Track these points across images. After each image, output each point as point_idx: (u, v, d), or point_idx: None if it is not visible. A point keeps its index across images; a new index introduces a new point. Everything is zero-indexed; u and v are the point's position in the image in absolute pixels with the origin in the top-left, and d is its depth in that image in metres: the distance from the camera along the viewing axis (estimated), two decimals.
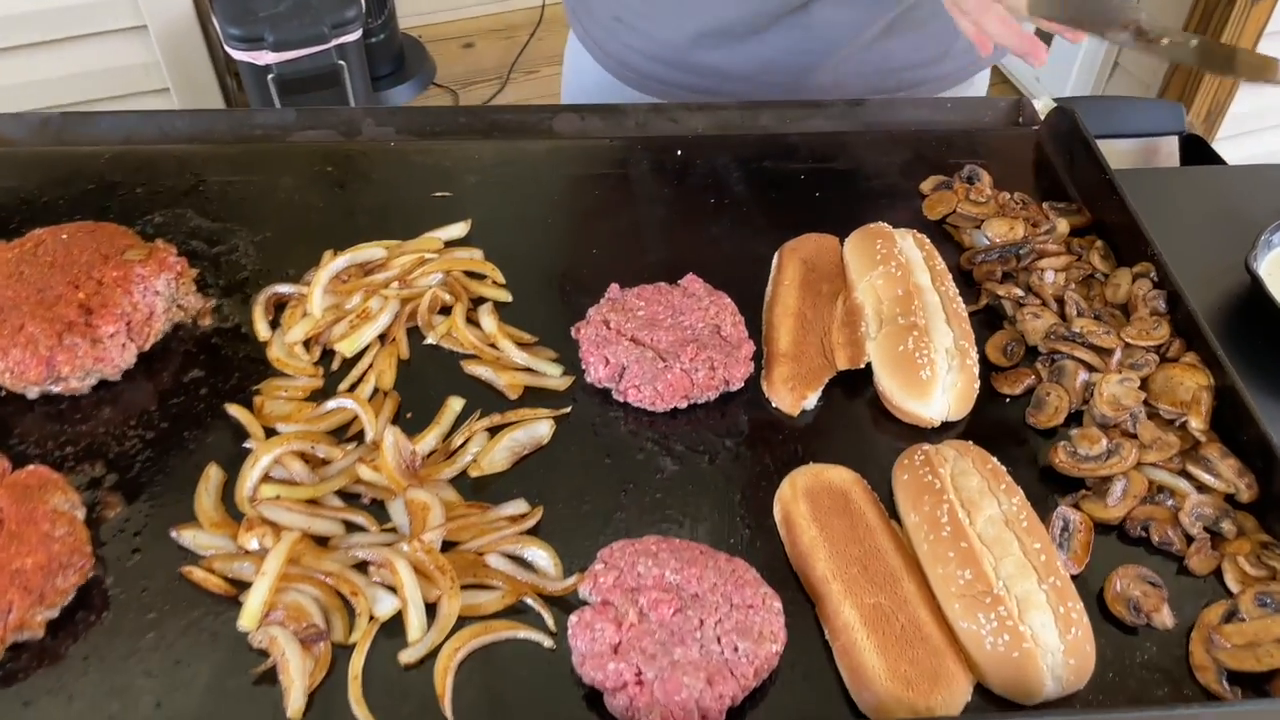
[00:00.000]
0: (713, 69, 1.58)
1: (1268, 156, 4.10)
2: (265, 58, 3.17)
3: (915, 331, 1.13)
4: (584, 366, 1.17)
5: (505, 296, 1.26)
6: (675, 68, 1.60)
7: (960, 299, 1.21)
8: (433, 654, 0.93)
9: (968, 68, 1.68)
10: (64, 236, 1.20)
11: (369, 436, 1.09)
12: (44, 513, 0.97)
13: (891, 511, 1.05)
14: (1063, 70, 4.23)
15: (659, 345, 1.16)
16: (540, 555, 1.01)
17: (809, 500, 1.03)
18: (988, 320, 1.26)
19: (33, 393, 1.12)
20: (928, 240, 1.27)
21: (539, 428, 1.11)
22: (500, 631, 0.95)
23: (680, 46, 1.56)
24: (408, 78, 4.32)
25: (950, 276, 1.23)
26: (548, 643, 0.95)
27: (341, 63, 3.31)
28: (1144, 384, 1.13)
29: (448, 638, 0.94)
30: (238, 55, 3.17)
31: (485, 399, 1.15)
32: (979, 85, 1.78)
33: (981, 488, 1.01)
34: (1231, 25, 3.49)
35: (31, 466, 1.02)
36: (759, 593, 0.94)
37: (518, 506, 1.04)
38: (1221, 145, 3.93)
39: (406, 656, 0.93)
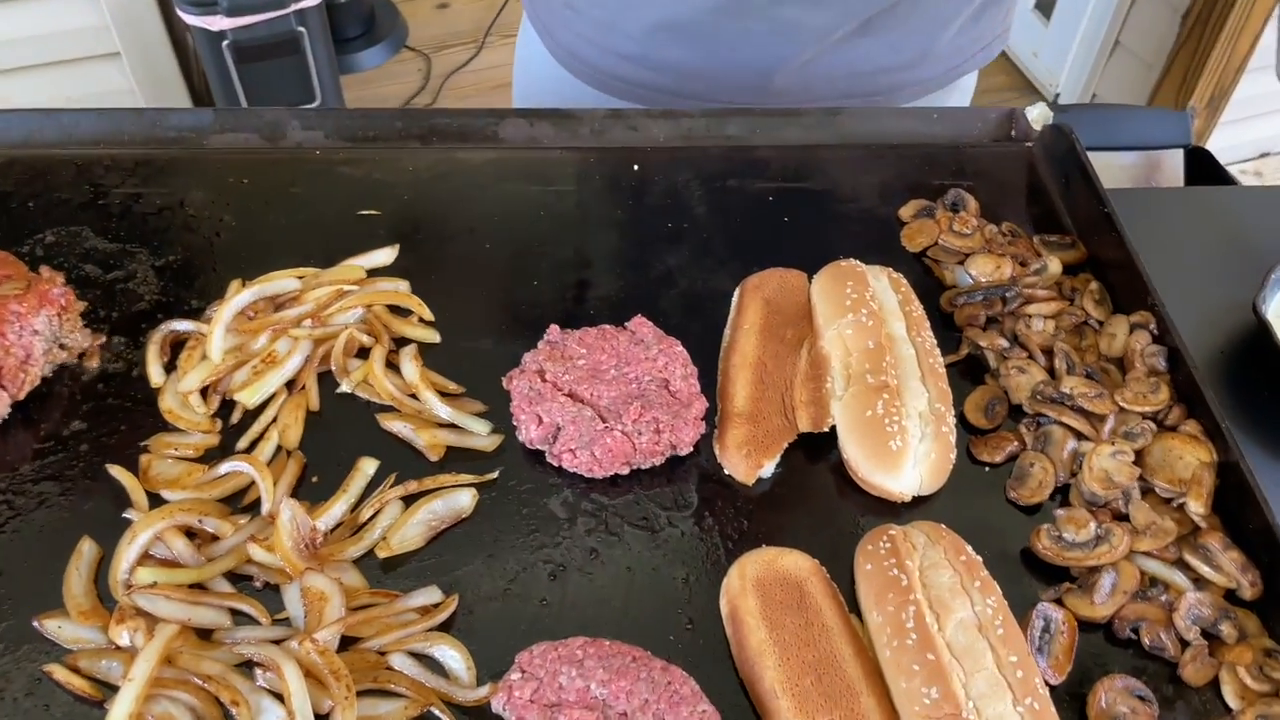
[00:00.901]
0: (669, 66, 1.44)
1: (1270, 142, 3.97)
2: (219, 23, 2.98)
3: (886, 393, 1.01)
4: (515, 424, 1.04)
5: (432, 337, 1.13)
6: (630, 62, 1.46)
7: (938, 351, 1.08)
8: None
9: (951, 72, 1.53)
10: None
11: (265, 508, 0.96)
12: None
13: (852, 601, 0.94)
14: (1062, 46, 4.07)
15: (599, 402, 1.03)
16: (452, 656, 0.89)
17: (759, 594, 0.91)
18: (968, 371, 1.14)
19: None
20: (904, 281, 1.14)
21: (460, 498, 0.99)
22: None
23: (635, 39, 1.42)
24: (378, 40, 4.11)
25: (928, 324, 1.11)
26: None
27: (301, 29, 3.13)
28: (1139, 456, 1.02)
29: None
30: (190, 20, 2.98)
31: (402, 459, 1.03)
32: (963, 91, 1.64)
33: (953, 585, 0.89)
34: (1220, 47, 3.40)
35: None
36: (696, 711, 0.83)
37: (430, 595, 0.92)
38: (1224, 130, 3.81)
39: None
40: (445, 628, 0.91)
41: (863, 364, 1.04)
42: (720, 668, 0.90)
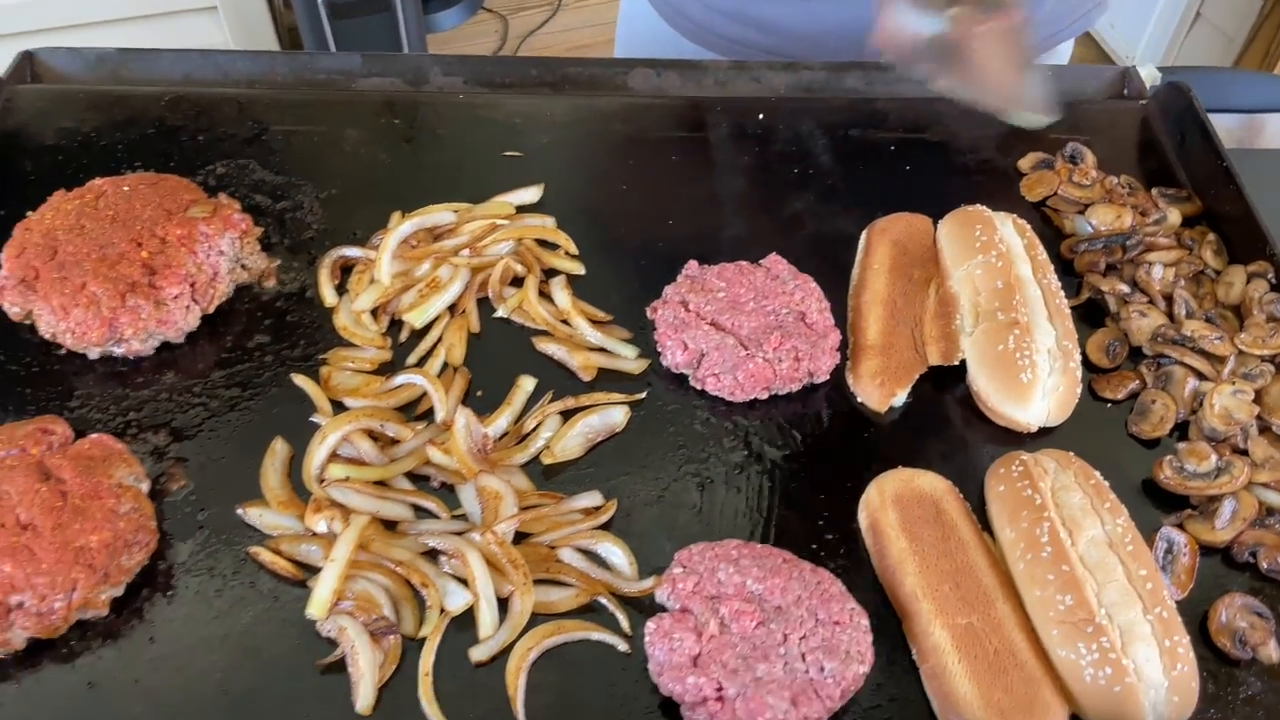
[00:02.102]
0: (770, 25, 1.48)
1: None
2: None
3: (1016, 329, 1.07)
4: (660, 350, 1.11)
5: (578, 269, 1.20)
6: (733, 19, 1.50)
7: (1063, 293, 1.14)
8: (504, 652, 0.90)
9: (1046, 40, 1.56)
10: (125, 188, 1.16)
11: (439, 416, 1.05)
12: (109, 487, 0.94)
13: (983, 522, 1.00)
14: (1141, 17, 4.02)
15: (740, 331, 1.10)
16: (615, 552, 0.97)
17: (898, 508, 0.98)
18: (1087, 315, 1.19)
19: (93, 353, 1.09)
20: (1029, 227, 1.20)
21: (613, 414, 1.07)
22: (574, 632, 0.92)
23: None
24: (457, 1, 4.20)
25: (1052, 268, 1.16)
26: (622, 646, 0.92)
27: None
28: (1258, 395, 1.06)
29: (520, 636, 0.91)
30: None
31: (557, 379, 1.11)
32: (1059, 58, 1.67)
33: (1084, 506, 0.95)
34: None
35: (95, 436, 0.99)
36: (846, 609, 0.90)
37: (592, 499, 1.00)
38: None
39: (478, 654, 0.90)
40: (606, 528, 0.99)
41: (992, 302, 1.10)
42: (861, 577, 0.97)
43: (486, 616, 0.91)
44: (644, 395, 1.10)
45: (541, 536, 0.98)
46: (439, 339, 1.12)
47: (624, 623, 0.93)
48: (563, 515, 0.99)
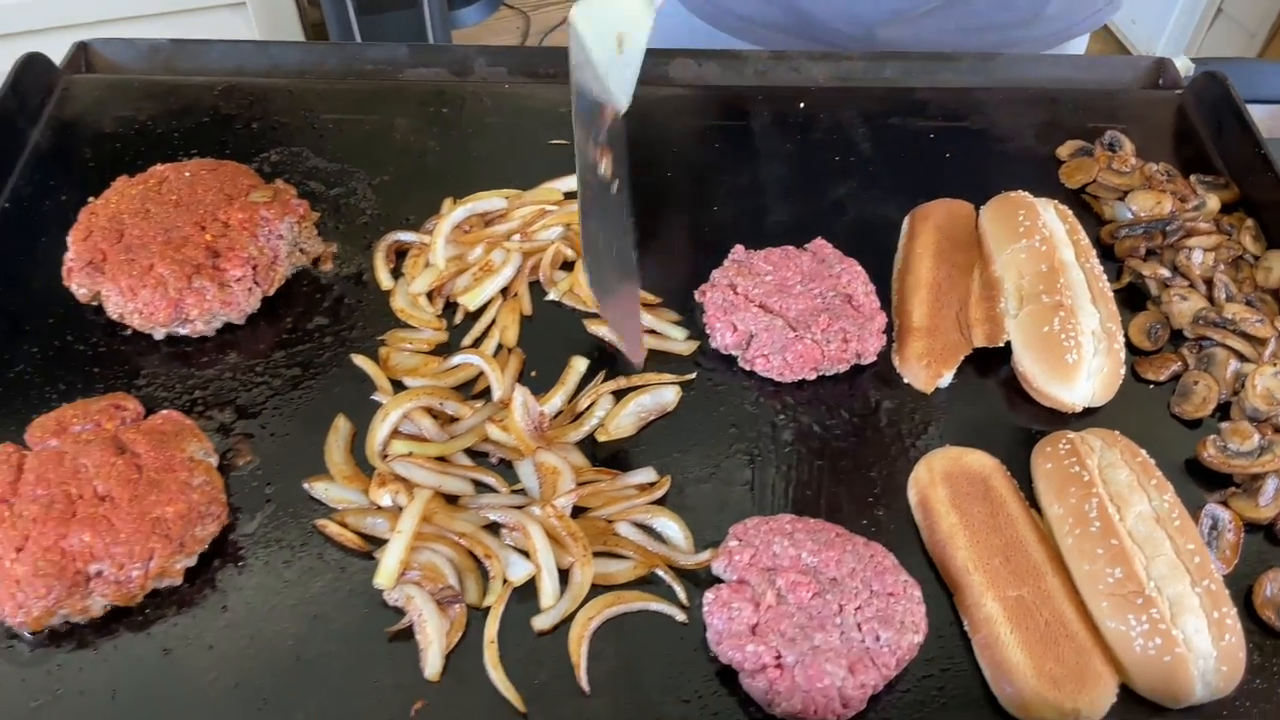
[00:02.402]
0: (790, 5, 1.50)
1: None
2: None
3: (1061, 312, 1.08)
4: (709, 332, 1.14)
5: None
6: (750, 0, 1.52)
7: (1105, 277, 1.16)
8: (565, 621, 0.93)
9: (1060, 34, 1.58)
10: (187, 174, 1.19)
11: (496, 395, 1.07)
12: (181, 460, 0.97)
13: (1030, 499, 1.02)
14: (1161, 12, 4.02)
15: (788, 313, 1.12)
16: (671, 527, 0.99)
17: (947, 485, 1.00)
18: (1128, 299, 1.21)
19: (159, 333, 1.12)
20: (1070, 212, 1.22)
21: (665, 393, 1.09)
22: (633, 602, 0.94)
23: None
24: None
25: (1094, 252, 1.18)
26: (680, 616, 0.94)
27: None
28: None
29: (581, 606, 0.93)
30: None
31: (608, 359, 1.13)
32: (1076, 50, 1.68)
33: (1131, 482, 0.97)
34: None
35: (165, 411, 1.02)
36: (899, 580, 0.92)
37: (646, 475, 1.03)
38: None
39: (540, 623, 0.93)
40: (661, 503, 1.01)
41: (1036, 285, 1.12)
42: (911, 551, 0.99)
43: (548, 586, 0.94)
44: (694, 376, 1.12)
45: (598, 511, 1.00)
46: (493, 321, 1.15)
47: (681, 594, 0.95)
48: (618, 491, 1.01)
